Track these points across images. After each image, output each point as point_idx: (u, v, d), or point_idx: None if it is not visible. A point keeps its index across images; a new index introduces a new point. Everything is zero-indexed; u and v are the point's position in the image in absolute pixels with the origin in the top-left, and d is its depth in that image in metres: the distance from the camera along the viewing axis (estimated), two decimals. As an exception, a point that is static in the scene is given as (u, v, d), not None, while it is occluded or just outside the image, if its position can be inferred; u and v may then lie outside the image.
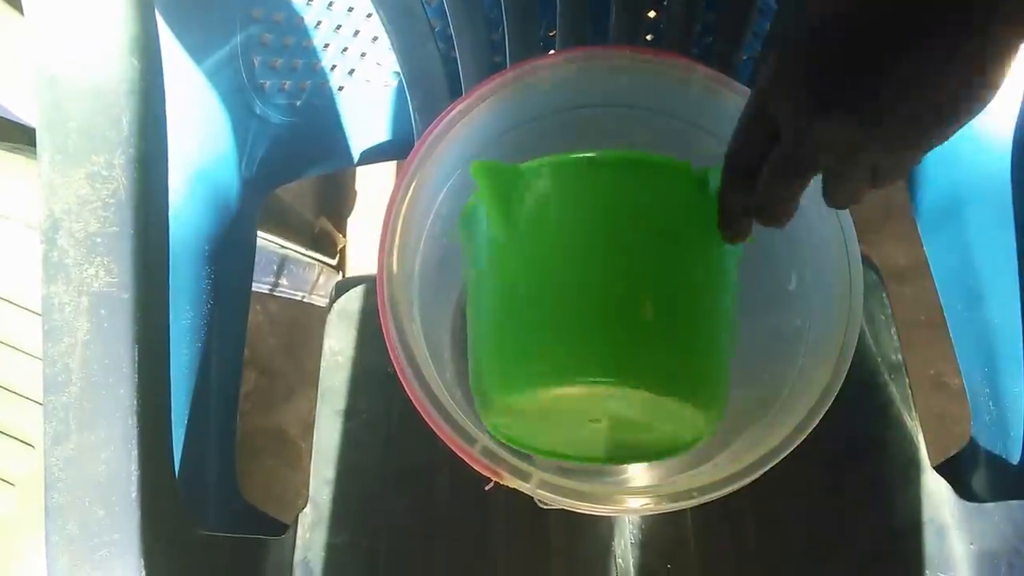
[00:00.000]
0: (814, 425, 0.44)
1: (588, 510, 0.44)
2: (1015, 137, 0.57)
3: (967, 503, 0.58)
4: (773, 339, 0.54)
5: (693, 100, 0.53)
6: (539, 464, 0.57)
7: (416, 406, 0.44)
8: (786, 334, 0.52)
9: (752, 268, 0.58)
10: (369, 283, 0.71)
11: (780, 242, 0.53)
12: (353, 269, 1.25)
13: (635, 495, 0.44)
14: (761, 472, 0.44)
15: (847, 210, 0.47)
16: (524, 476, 0.43)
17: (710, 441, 0.57)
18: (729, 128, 0.51)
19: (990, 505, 0.57)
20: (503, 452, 0.44)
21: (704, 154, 0.55)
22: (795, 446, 0.44)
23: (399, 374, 0.44)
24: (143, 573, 0.39)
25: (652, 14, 0.63)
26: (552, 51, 0.63)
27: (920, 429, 0.62)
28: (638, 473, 0.59)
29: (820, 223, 0.50)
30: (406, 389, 0.44)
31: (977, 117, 0.32)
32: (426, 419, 0.43)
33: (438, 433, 0.43)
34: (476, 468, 0.43)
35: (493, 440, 0.46)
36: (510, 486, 0.43)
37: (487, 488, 0.44)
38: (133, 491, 0.39)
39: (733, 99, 0.52)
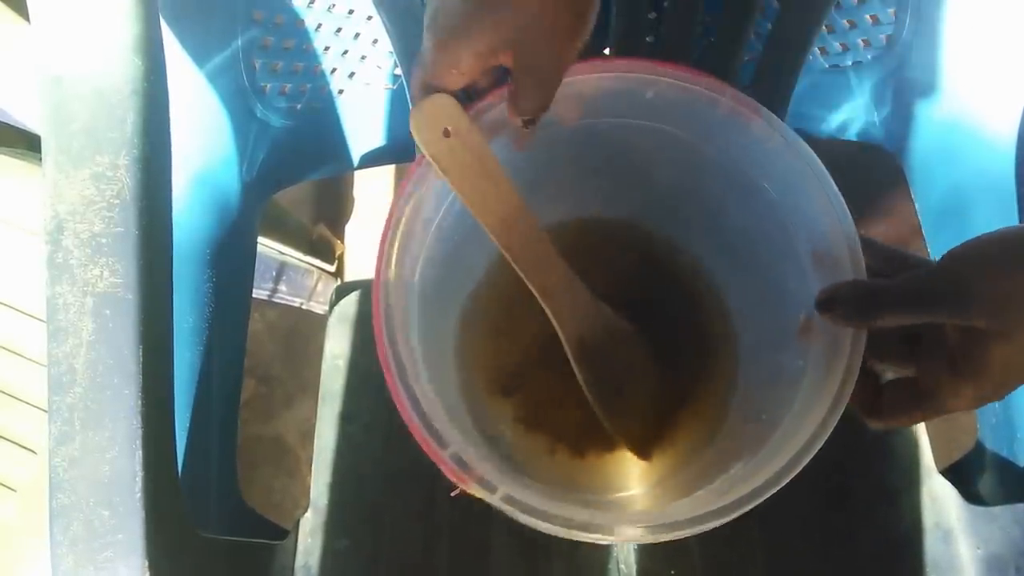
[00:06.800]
0: (799, 469, 0.42)
1: (552, 531, 0.42)
2: (1019, 133, 0.57)
3: (974, 507, 0.58)
4: (775, 379, 0.53)
5: (718, 123, 0.51)
6: (537, 483, 0.57)
7: (395, 400, 0.43)
8: (788, 374, 0.50)
9: (761, 304, 0.57)
10: (370, 287, 0.70)
11: (791, 277, 0.52)
12: (351, 275, 1.25)
13: (611, 522, 0.42)
14: (740, 512, 0.42)
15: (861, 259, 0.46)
16: (490, 488, 0.42)
17: (697, 473, 0.55)
18: (751, 153, 0.50)
19: (997, 509, 0.57)
20: (477, 462, 0.43)
21: (719, 174, 0.54)
22: (778, 488, 0.42)
23: (383, 365, 0.44)
24: (147, 575, 0.39)
25: (652, 15, 0.63)
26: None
27: (926, 433, 0.62)
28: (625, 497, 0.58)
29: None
30: (387, 380, 0.44)
31: (979, 115, 0.32)
32: (402, 415, 0.43)
33: (411, 431, 0.43)
34: (445, 472, 0.42)
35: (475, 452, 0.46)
36: (476, 495, 0.42)
37: (452, 494, 0.43)
38: (137, 492, 0.39)
39: (760, 125, 0.50)
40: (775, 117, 0.49)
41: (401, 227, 0.48)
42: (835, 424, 0.42)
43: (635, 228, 0.64)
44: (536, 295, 0.53)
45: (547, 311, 0.53)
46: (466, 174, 0.48)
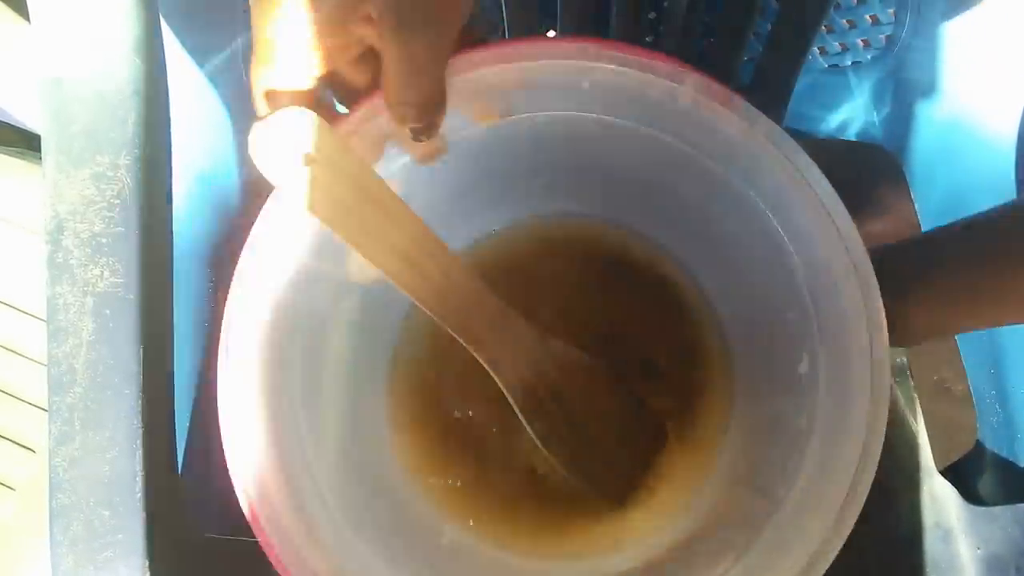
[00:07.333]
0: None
1: None
2: (1019, 133, 0.57)
3: (974, 507, 0.58)
4: (773, 432, 0.45)
5: (679, 115, 0.41)
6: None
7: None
8: (787, 432, 0.42)
9: (757, 328, 0.50)
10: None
11: (788, 304, 0.43)
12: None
13: None
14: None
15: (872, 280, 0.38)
16: None
17: (675, 546, 0.47)
18: (727, 152, 0.41)
19: (997, 509, 0.57)
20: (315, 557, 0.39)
21: (693, 173, 0.45)
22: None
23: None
24: (147, 575, 0.39)
25: (652, 15, 0.63)
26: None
27: (925, 433, 0.62)
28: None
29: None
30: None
31: (979, 115, 0.32)
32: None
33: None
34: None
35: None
36: None
37: None
38: (137, 492, 0.39)
39: (732, 119, 0.40)
40: (755, 111, 0.40)
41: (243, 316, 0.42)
42: (852, 524, 0.38)
43: (598, 225, 0.55)
44: (464, 345, 0.43)
45: (482, 362, 0.43)
46: (342, 209, 0.37)
